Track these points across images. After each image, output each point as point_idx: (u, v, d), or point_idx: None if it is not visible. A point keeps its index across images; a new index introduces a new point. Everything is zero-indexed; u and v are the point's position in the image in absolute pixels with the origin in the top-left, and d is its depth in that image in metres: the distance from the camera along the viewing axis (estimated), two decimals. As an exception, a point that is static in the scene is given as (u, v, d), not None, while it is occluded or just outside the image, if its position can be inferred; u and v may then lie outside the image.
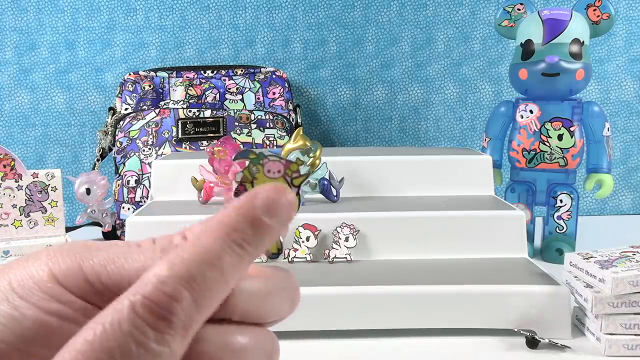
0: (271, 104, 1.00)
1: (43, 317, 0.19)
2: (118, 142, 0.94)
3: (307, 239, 0.63)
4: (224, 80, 1.00)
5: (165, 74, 1.01)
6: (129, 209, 0.90)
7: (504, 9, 0.82)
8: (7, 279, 0.20)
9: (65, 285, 0.20)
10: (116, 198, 0.90)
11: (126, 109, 0.98)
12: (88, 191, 0.83)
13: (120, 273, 0.20)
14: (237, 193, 0.20)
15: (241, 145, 0.91)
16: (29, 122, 1.10)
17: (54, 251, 0.21)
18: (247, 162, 0.20)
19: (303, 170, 0.20)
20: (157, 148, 0.92)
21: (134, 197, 0.90)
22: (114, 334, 0.16)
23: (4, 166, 0.75)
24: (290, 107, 1.01)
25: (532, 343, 0.52)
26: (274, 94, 1.00)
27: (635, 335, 0.51)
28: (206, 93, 0.98)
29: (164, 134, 0.92)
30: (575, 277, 0.56)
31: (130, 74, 1.00)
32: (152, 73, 1.01)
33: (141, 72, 1.01)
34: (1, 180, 0.75)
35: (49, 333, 0.19)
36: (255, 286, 0.21)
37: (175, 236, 0.21)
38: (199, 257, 0.18)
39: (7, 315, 0.19)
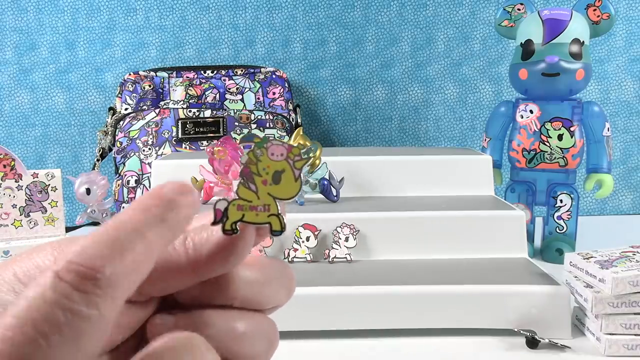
0: (271, 104, 1.00)
1: None
2: (118, 142, 0.94)
3: (307, 239, 0.63)
4: (224, 80, 1.00)
5: (165, 74, 1.01)
6: (129, 209, 0.90)
7: (504, 9, 0.81)
8: (12, 270, 0.20)
9: None
10: (116, 198, 0.90)
11: (126, 109, 0.98)
12: (88, 191, 0.83)
13: None
14: (242, 174, 0.21)
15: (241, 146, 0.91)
16: (29, 122, 1.10)
17: (58, 242, 0.21)
18: (252, 145, 0.21)
19: (305, 155, 0.21)
20: (157, 148, 0.92)
21: (134, 197, 0.90)
22: (37, 304, 0.16)
23: (4, 166, 0.75)
24: (290, 107, 1.01)
25: (532, 343, 0.52)
26: (274, 94, 1.00)
27: (635, 335, 0.51)
28: (206, 93, 0.98)
29: (164, 134, 0.92)
30: (575, 277, 0.56)
31: (130, 74, 1.00)
32: (152, 73, 1.01)
33: (141, 72, 1.01)
34: (1, 180, 0.75)
35: None
36: (254, 274, 0.22)
37: None
38: (121, 226, 0.18)
39: None
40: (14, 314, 0.16)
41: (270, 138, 0.22)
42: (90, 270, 0.17)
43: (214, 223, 0.21)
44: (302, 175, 0.22)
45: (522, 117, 0.79)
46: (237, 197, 0.21)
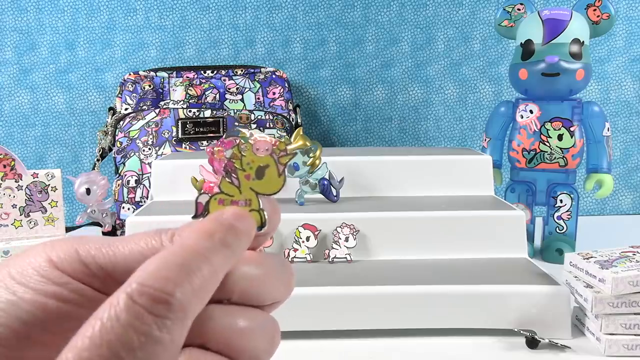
0: (271, 104, 1.00)
1: (41, 299, 0.20)
2: (118, 142, 0.94)
3: (307, 239, 0.63)
4: (224, 80, 1.00)
5: (165, 74, 1.01)
6: (129, 209, 0.90)
7: (504, 9, 0.81)
8: (7, 270, 0.20)
9: (62, 268, 0.20)
10: (116, 198, 0.90)
11: (126, 109, 0.98)
12: (88, 191, 0.83)
13: (116, 254, 0.21)
14: (226, 168, 0.21)
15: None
16: (29, 122, 1.10)
17: (51, 242, 0.21)
18: (237, 140, 0.21)
19: (290, 150, 0.21)
20: (157, 148, 0.92)
21: (134, 197, 0.90)
22: (112, 326, 0.16)
23: (4, 166, 0.75)
24: (290, 107, 1.01)
25: (532, 343, 0.52)
26: (274, 94, 1.00)
27: (635, 335, 0.51)
28: (206, 93, 0.98)
29: (164, 134, 0.92)
30: (575, 277, 0.56)
31: (130, 74, 1.00)
32: (152, 73, 1.01)
33: (141, 72, 1.01)
34: (1, 180, 0.75)
35: (47, 315, 0.20)
36: (252, 268, 0.22)
37: (163, 233, 0.22)
38: (187, 251, 0.19)
39: (5, 300, 0.19)
40: (89, 335, 0.16)
41: (256, 133, 0.21)
42: (163, 294, 0.17)
43: (195, 216, 0.21)
44: (287, 170, 0.22)
45: (522, 117, 0.79)
46: (219, 192, 0.21)
